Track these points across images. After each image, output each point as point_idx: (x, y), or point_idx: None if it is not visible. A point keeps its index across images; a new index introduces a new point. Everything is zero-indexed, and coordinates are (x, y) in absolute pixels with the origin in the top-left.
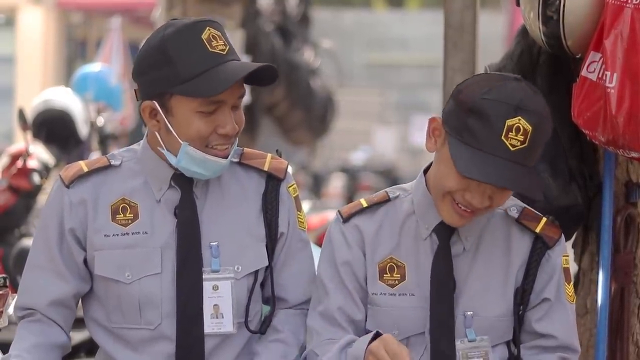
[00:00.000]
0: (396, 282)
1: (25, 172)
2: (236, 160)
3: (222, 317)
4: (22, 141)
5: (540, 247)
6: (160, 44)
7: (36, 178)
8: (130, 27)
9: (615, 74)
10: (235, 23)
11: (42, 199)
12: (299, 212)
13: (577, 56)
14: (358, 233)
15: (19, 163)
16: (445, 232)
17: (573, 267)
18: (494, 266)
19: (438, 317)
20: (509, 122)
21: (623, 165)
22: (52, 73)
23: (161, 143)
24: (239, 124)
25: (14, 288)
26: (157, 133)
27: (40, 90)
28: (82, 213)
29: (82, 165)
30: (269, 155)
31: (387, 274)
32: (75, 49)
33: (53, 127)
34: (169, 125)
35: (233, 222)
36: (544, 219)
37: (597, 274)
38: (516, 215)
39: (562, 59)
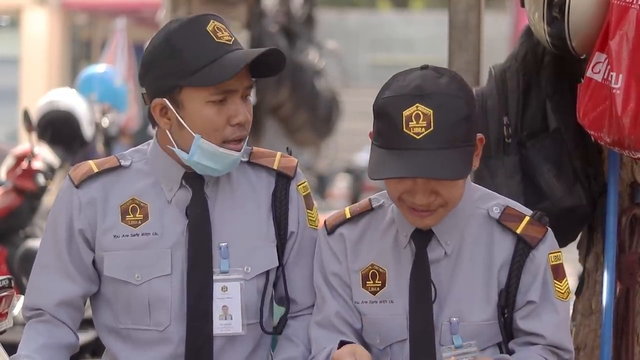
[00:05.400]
0: (377, 289)
1: (30, 173)
2: (245, 159)
3: (231, 319)
4: (27, 142)
5: (522, 248)
6: (165, 39)
7: (41, 179)
8: (135, 28)
9: (620, 75)
10: (240, 24)
11: (47, 200)
12: (309, 211)
13: (582, 57)
14: (342, 243)
15: (24, 164)
16: (422, 239)
17: (578, 268)
18: (477, 270)
19: (417, 326)
20: (405, 113)
21: (628, 166)
22: (56, 74)
23: (172, 141)
24: (249, 115)
25: (19, 289)
26: (168, 131)
27: (45, 91)
28: (91, 214)
29: (92, 165)
30: (279, 153)
31: (369, 280)
32: (80, 50)
33: (58, 128)
34: (181, 120)
35: (243, 223)
36: (527, 218)
37: (602, 274)
38: (497, 216)
39: (566, 59)
